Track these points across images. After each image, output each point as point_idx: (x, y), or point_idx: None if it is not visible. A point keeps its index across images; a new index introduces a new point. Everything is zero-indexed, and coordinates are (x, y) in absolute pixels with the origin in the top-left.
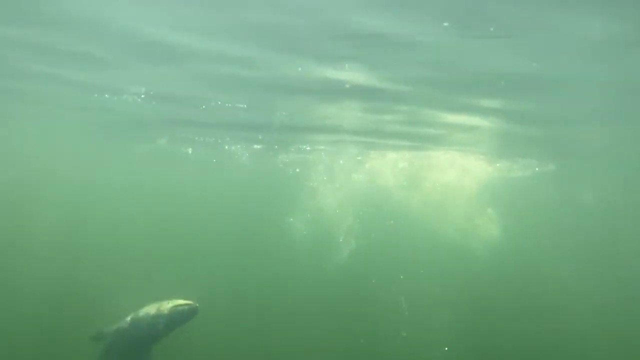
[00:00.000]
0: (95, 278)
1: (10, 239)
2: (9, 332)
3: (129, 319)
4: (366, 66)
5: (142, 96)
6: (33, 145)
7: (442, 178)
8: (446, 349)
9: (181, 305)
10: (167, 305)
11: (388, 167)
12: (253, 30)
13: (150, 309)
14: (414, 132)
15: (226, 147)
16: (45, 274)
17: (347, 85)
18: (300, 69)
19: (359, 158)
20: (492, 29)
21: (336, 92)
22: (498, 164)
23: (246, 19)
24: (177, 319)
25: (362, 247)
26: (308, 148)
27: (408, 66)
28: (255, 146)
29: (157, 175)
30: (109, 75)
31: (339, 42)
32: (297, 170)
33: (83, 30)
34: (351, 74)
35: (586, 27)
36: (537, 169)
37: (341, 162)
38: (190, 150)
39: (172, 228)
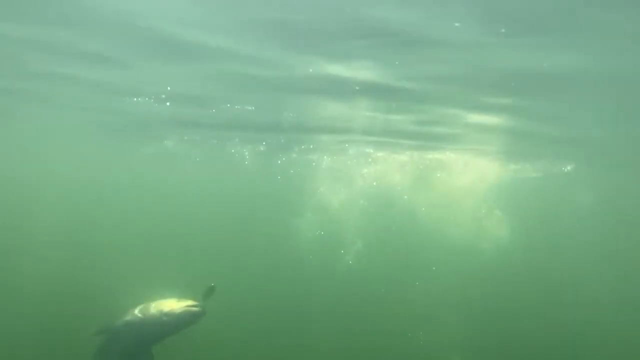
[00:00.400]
0: (104, 279)
1: (20, 238)
2: (13, 332)
3: (137, 313)
4: (380, 64)
5: (153, 97)
6: (41, 145)
7: (458, 178)
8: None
9: (192, 306)
10: (179, 305)
11: (401, 167)
12: (267, 28)
13: (161, 307)
14: (428, 132)
15: (232, 150)
16: (56, 274)
17: (357, 88)
18: (311, 70)
19: (369, 159)
20: (515, 28)
21: (348, 91)
22: (515, 165)
23: (261, 16)
24: (187, 320)
25: (372, 249)
26: (314, 147)
27: (425, 64)
28: (262, 148)
29: (163, 175)
30: (121, 75)
31: (352, 40)
32: (308, 170)
33: (97, 29)
34: (363, 72)
35: (617, 22)
36: (554, 169)
37: (351, 162)
38: (196, 151)
39: (175, 228)
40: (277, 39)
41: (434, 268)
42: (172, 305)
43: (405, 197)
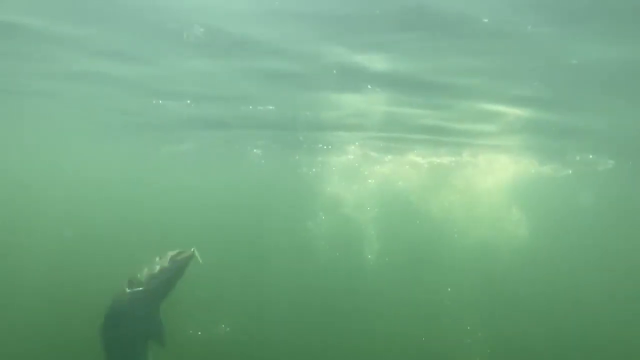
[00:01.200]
0: (118, 271)
1: (32, 236)
2: (22, 326)
3: (131, 290)
4: (409, 57)
5: (175, 98)
6: (58, 145)
7: (488, 178)
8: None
9: (178, 254)
10: (166, 259)
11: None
12: (289, 19)
13: (151, 271)
14: (455, 128)
15: (249, 148)
16: (65, 273)
17: (377, 89)
18: (336, 66)
19: (391, 156)
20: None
21: (370, 86)
22: (548, 164)
23: (295, 6)
24: (180, 269)
25: (396, 250)
26: (334, 146)
27: (453, 56)
28: (280, 146)
29: (182, 175)
30: (142, 73)
31: (373, 30)
32: (328, 169)
33: (119, 25)
34: (386, 65)
35: None
36: (599, 167)
37: (370, 161)
38: (214, 151)
39: (194, 228)
40: (302, 29)
41: (465, 270)
42: (160, 263)
43: (432, 196)
